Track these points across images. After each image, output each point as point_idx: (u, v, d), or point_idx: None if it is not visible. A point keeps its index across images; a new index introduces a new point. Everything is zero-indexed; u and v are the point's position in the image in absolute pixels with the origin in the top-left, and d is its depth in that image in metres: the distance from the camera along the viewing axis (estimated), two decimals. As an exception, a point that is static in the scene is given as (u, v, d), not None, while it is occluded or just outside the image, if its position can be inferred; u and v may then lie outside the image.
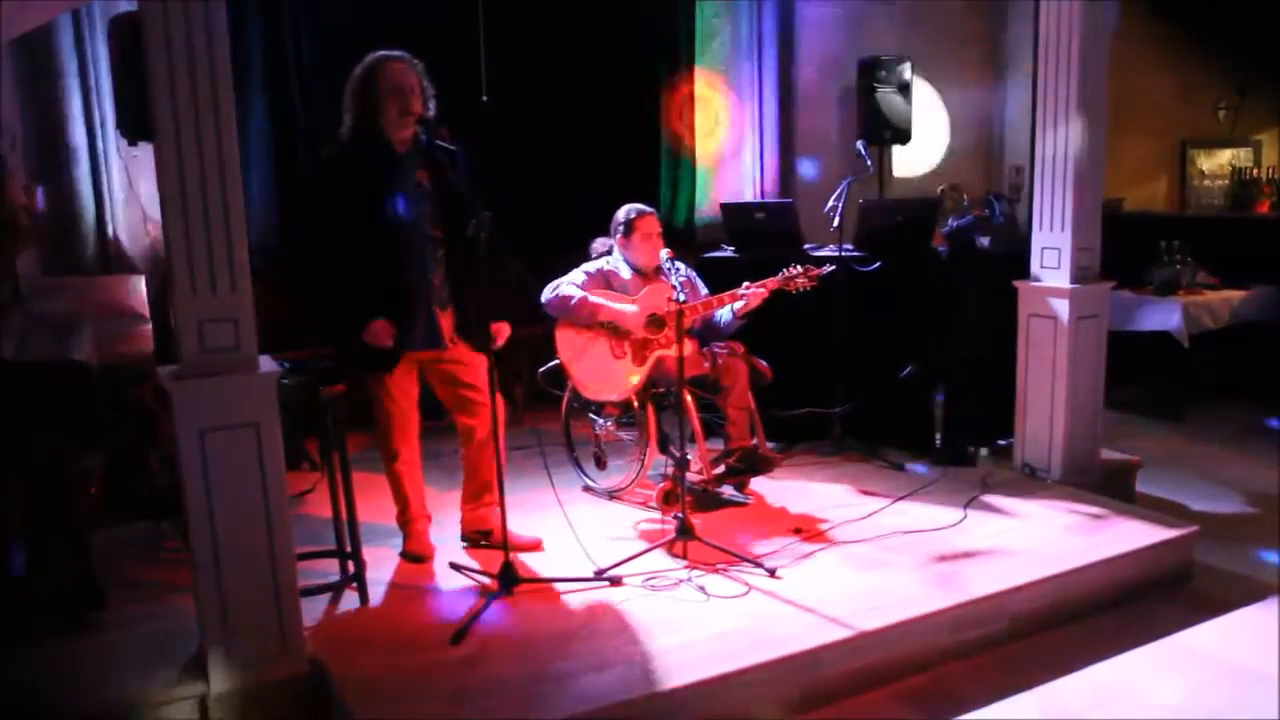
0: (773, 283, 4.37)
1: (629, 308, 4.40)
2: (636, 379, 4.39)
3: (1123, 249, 5.39)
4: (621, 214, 4.59)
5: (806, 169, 7.17)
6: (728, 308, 4.46)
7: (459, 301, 3.82)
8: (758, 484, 4.65)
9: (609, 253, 4.64)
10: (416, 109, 3.68)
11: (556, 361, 4.55)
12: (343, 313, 3.72)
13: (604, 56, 6.50)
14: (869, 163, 5.31)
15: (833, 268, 4.49)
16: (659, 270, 4.49)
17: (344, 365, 3.80)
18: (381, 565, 3.90)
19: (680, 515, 3.90)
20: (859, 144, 5.45)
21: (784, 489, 4.69)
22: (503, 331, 3.89)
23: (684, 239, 6.68)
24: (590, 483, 4.73)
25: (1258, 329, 6.65)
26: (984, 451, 5.13)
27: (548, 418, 4.95)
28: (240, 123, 2.98)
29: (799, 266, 4.38)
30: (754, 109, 7.14)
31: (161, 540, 4.23)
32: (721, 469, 4.50)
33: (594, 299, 4.42)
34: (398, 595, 3.71)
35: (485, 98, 5.98)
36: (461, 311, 3.83)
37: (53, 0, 4.67)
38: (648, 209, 4.59)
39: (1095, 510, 4.34)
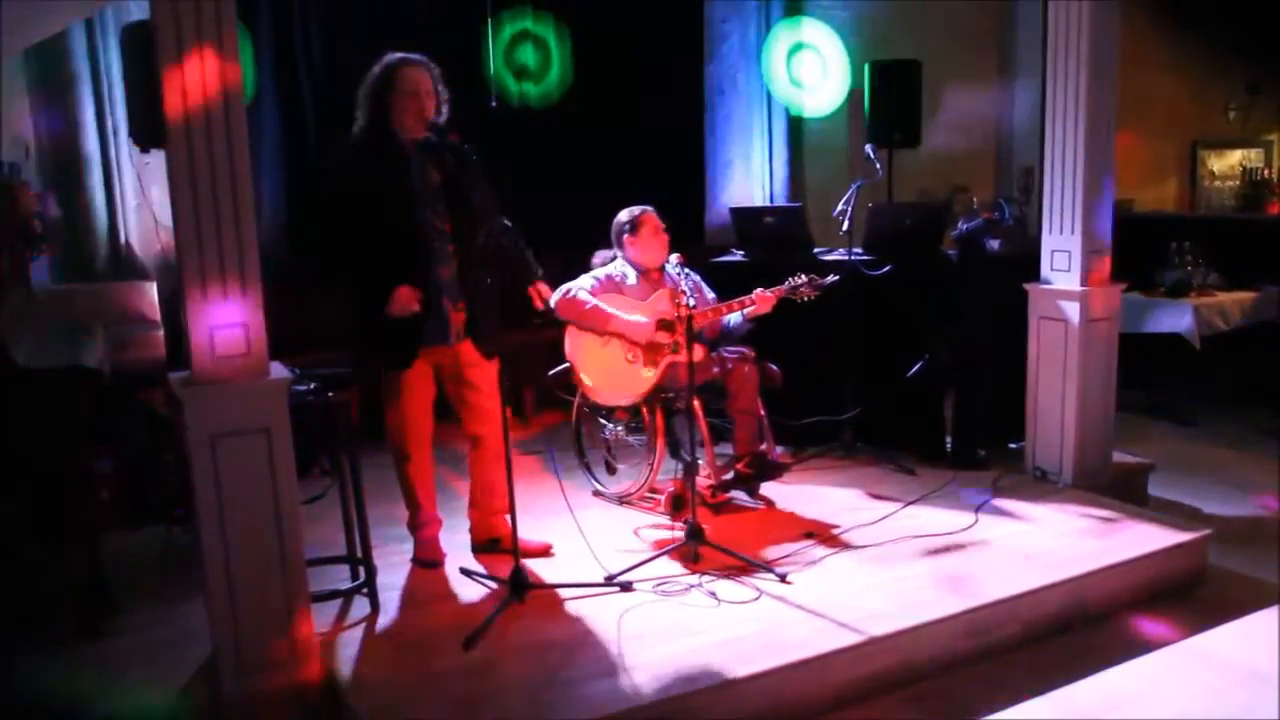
0: (780, 291, 4.42)
1: (639, 317, 4.39)
2: (648, 385, 4.38)
3: (1133, 251, 5.36)
4: (624, 215, 4.59)
5: (815, 172, 7.17)
6: (737, 313, 4.47)
7: (470, 300, 3.83)
8: (768, 488, 4.64)
9: (613, 260, 4.65)
10: (431, 113, 3.69)
11: (566, 365, 4.55)
12: (361, 297, 3.72)
13: (612, 60, 6.53)
14: (878, 166, 5.30)
15: (836, 279, 4.51)
16: (663, 271, 4.50)
17: (363, 360, 3.81)
18: (392, 571, 3.91)
19: (691, 520, 3.90)
20: (868, 147, 5.45)
21: (795, 493, 4.68)
22: (542, 291, 3.82)
23: (693, 243, 6.68)
24: (600, 487, 4.73)
25: (1270, 330, 6.61)
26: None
27: (558, 422, 4.95)
28: (251, 129, 2.99)
29: (804, 276, 4.41)
30: (763, 112, 7.14)
31: (172, 545, 4.24)
32: (731, 474, 4.50)
33: (605, 308, 4.42)
34: (408, 601, 3.72)
35: (494, 103, 6.00)
36: (471, 311, 3.84)
37: (66, 9, 4.70)
38: (647, 207, 4.60)
39: (1107, 514, 4.32)
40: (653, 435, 4.45)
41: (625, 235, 4.57)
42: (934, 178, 7.25)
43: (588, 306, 4.41)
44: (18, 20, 3.74)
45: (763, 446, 4.52)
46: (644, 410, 4.47)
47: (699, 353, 4.34)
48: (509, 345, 3.87)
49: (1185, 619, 3.73)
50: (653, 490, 4.54)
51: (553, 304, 4.42)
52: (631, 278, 4.56)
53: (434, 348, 3.80)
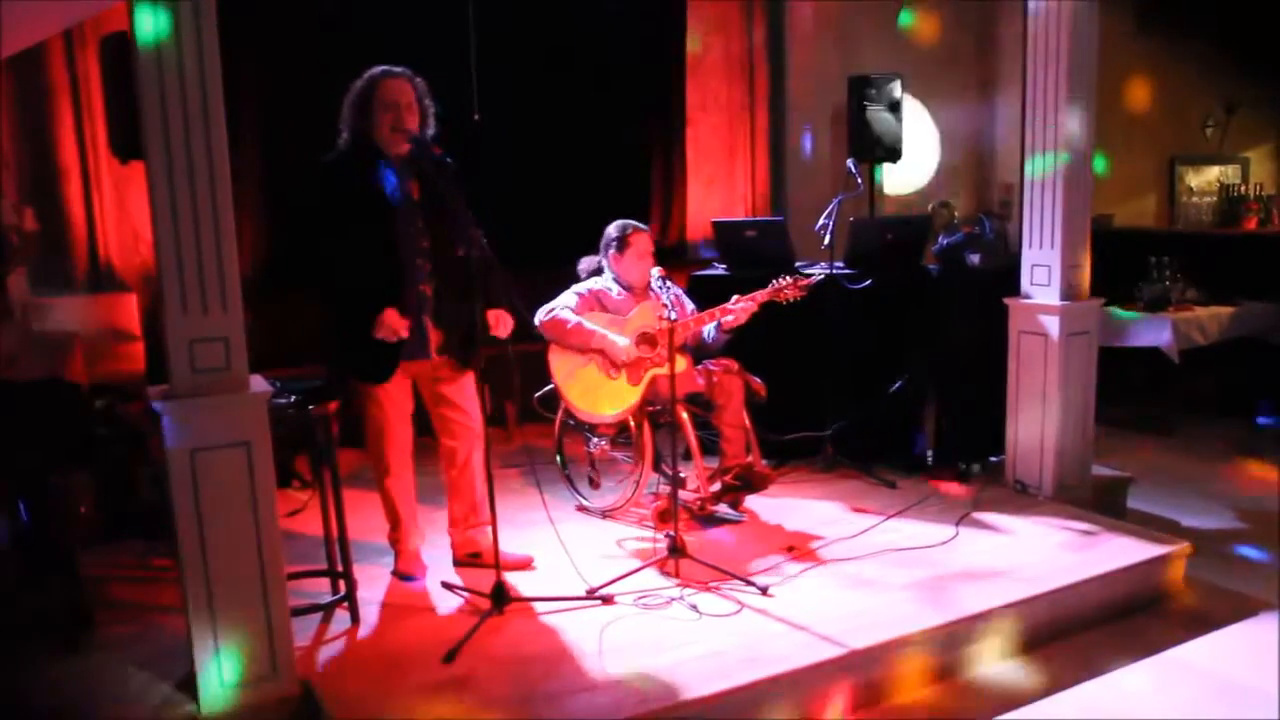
0: (763, 295, 4.41)
1: (620, 339, 4.40)
2: (632, 400, 4.38)
3: (1113, 265, 5.41)
4: (614, 229, 4.59)
5: (797, 185, 7.21)
6: (714, 323, 4.47)
7: (448, 315, 3.82)
8: (752, 501, 4.65)
9: (598, 272, 4.65)
10: (410, 125, 3.68)
11: (551, 386, 4.54)
12: (341, 310, 3.70)
13: (596, 74, 6.55)
14: (859, 181, 5.32)
15: (820, 277, 4.52)
16: (648, 288, 4.50)
17: (340, 374, 3.79)
18: (373, 584, 3.89)
19: (672, 533, 3.90)
20: (849, 162, 5.47)
21: (777, 506, 4.69)
22: (504, 320, 3.84)
23: (676, 257, 6.70)
24: (584, 501, 4.72)
25: (1247, 345, 6.67)
26: (976, 468, 5.12)
27: (540, 435, 4.94)
28: (231, 142, 2.97)
29: (788, 277, 4.41)
30: (745, 127, 7.17)
31: (152, 559, 4.21)
32: (717, 486, 4.50)
33: (588, 325, 4.42)
34: (389, 615, 3.70)
35: (476, 116, 6.00)
36: (449, 325, 3.83)
37: (46, 20, 4.69)
38: (642, 226, 4.60)
39: (1087, 527, 4.34)
40: (639, 449, 4.45)
41: (611, 251, 4.57)
42: (915, 192, 7.32)
43: (570, 325, 4.41)
44: (9, 25, 3.72)
45: (749, 459, 4.53)
46: (630, 423, 4.47)
47: (683, 364, 4.35)
48: (488, 359, 3.86)
49: (1164, 631, 3.76)
50: (638, 505, 4.54)
51: (536, 323, 4.42)
52: (615, 290, 4.56)
53: (413, 361, 3.79)
